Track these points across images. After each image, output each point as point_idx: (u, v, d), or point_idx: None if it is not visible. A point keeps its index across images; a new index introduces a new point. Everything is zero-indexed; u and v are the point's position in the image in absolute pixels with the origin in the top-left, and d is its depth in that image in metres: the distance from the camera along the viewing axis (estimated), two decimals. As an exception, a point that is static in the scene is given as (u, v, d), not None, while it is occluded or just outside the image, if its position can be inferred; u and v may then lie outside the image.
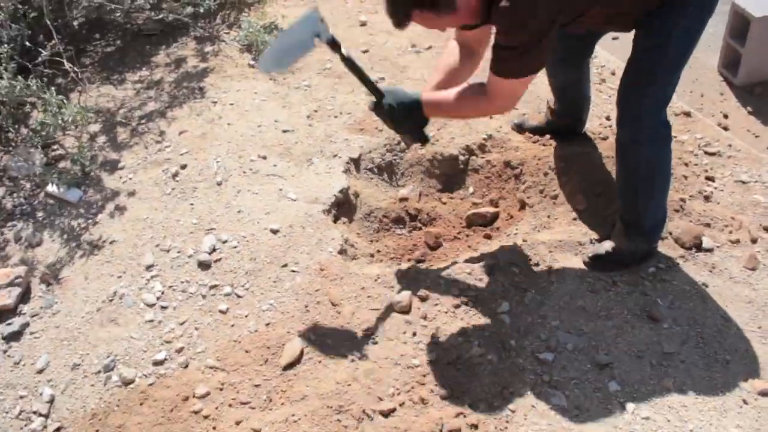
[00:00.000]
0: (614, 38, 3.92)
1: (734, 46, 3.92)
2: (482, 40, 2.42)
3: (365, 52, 3.85)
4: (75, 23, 3.72)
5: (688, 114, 3.48)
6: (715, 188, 3.04)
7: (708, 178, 3.08)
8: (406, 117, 2.31)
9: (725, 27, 3.95)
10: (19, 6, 3.46)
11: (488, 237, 2.92)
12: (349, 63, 2.30)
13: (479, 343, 2.43)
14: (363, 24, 4.11)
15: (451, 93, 2.29)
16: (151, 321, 2.59)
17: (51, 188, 3.10)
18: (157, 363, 2.46)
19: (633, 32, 2.39)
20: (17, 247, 2.93)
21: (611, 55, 3.93)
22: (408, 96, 2.29)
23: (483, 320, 2.52)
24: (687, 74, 3.96)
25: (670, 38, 2.27)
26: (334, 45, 2.25)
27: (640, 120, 2.40)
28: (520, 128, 3.29)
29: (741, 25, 3.86)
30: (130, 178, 3.15)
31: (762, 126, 3.70)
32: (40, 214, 3.06)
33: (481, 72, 2.35)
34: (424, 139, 2.45)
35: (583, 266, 2.69)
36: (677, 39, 2.28)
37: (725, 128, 3.61)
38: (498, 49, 2.11)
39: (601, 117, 3.38)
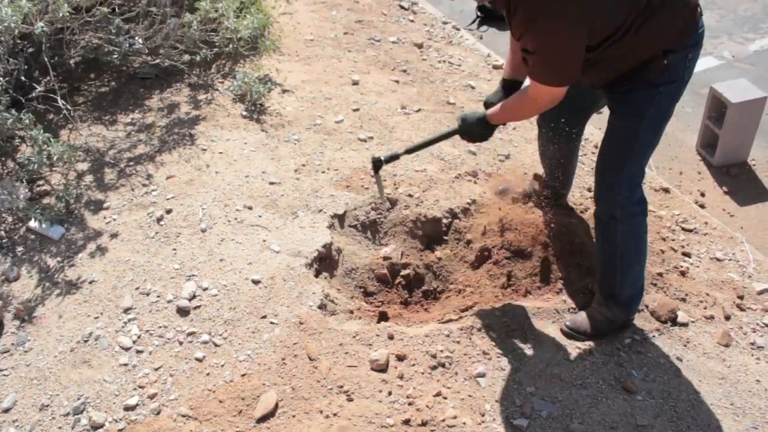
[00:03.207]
0: (599, 113, 4.04)
1: (712, 128, 4.07)
2: None
3: (356, 110, 3.93)
4: (72, 62, 3.77)
5: (666, 190, 3.58)
6: (691, 264, 3.11)
7: (684, 254, 3.16)
8: (476, 127, 2.58)
9: (704, 109, 4.10)
10: (19, 41, 3.50)
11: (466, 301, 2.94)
12: (413, 150, 2.84)
13: (454, 406, 2.43)
14: (355, 83, 4.20)
15: (505, 101, 2.54)
16: (126, 365, 2.56)
17: (33, 224, 3.08)
18: (129, 408, 2.41)
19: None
20: (-7, 281, 2.90)
21: (595, 128, 4.05)
22: (476, 115, 2.58)
23: (459, 383, 2.53)
24: (667, 152, 4.11)
25: (642, 122, 2.39)
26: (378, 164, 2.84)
27: (615, 197, 2.50)
28: (504, 195, 3.35)
29: (719, 108, 4.02)
30: (114, 219, 3.15)
31: (737, 206, 3.81)
32: (19, 248, 3.03)
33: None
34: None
35: (560, 334, 2.72)
36: (648, 123, 2.40)
37: (702, 206, 3.71)
38: (524, 53, 2.22)
39: (583, 188, 3.47)
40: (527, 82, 2.39)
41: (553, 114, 2.73)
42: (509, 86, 2.68)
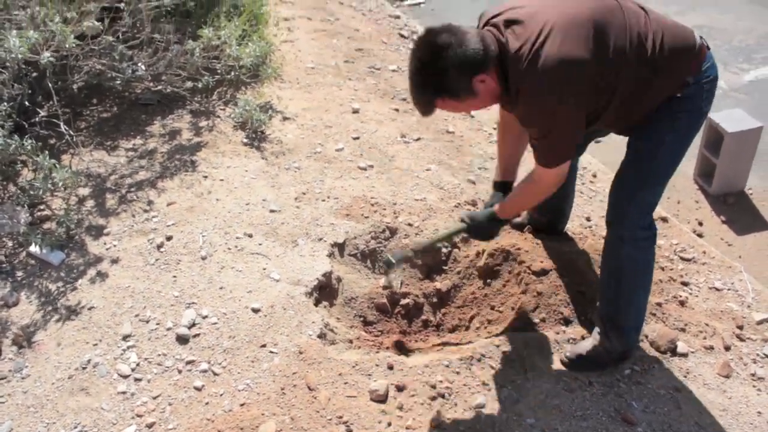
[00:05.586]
0: (597, 141, 4.07)
1: (709, 157, 4.10)
2: None
3: (356, 139, 3.96)
4: (75, 87, 3.79)
5: (665, 219, 3.60)
6: (690, 294, 3.12)
7: (683, 283, 3.17)
8: (485, 225, 2.68)
9: (701, 138, 4.14)
10: (23, 66, 3.52)
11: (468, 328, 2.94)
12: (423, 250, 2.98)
13: (454, 437, 2.42)
14: (355, 111, 4.23)
15: (511, 193, 2.66)
16: (124, 393, 2.54)
17: (33, 248, 3.08)
18: (126, 437, 2.41)
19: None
20: (-8, 306, 2.89)
21: (593, 157, 4.08)
22: (484, 213, 2.68)
23: (458, 414, 2.52)
24: (665, 182, 4.11)
25: (662, 146, 2.42)
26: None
27: (625, 220, 2.52)
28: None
29: (716, 138, 4.06)
30: (115, 245, 3.15)
31: (734, 235, 3.83)
32: (19, 273, 3.03)
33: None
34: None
35: (560, 365, 2.71)
36: (667, 147, 2.43)
37: (700, 235, 3.73)
38: (532, 141, 2.35)
39: (581, 217, 3.48)
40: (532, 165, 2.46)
41: None
42: (501, 188, 2.80)
